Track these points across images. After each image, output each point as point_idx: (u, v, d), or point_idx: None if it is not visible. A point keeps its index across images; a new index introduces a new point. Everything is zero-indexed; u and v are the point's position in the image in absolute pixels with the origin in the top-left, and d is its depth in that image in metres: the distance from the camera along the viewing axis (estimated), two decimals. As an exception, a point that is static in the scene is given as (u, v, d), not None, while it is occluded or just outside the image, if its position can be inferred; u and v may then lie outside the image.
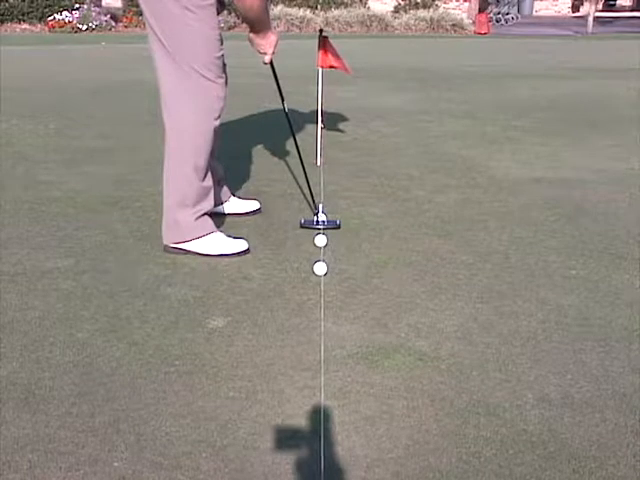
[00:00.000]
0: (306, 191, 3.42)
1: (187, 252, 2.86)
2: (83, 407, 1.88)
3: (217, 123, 2.81)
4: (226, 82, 2.84)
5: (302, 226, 3.18)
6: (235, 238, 2.93)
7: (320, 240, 2.91)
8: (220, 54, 2.75)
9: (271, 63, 2.97)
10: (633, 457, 1.70)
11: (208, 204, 2.90)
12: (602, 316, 2.41)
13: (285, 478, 1.63)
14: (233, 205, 3.33)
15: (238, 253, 2.87)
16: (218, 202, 3.14)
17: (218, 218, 3.12)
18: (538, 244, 3.06)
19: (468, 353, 2.17)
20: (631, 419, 1.85)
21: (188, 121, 2.74)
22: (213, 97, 2.75)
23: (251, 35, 2.84)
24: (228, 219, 3.25)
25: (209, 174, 2.89)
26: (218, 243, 2.88)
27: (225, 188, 3.29)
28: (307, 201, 3.47)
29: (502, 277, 2.72)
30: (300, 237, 3.07)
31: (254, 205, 3.38)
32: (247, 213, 3.34)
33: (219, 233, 2.92)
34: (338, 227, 3.18)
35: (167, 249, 2.90)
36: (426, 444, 1.75)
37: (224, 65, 2.82)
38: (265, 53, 2.88)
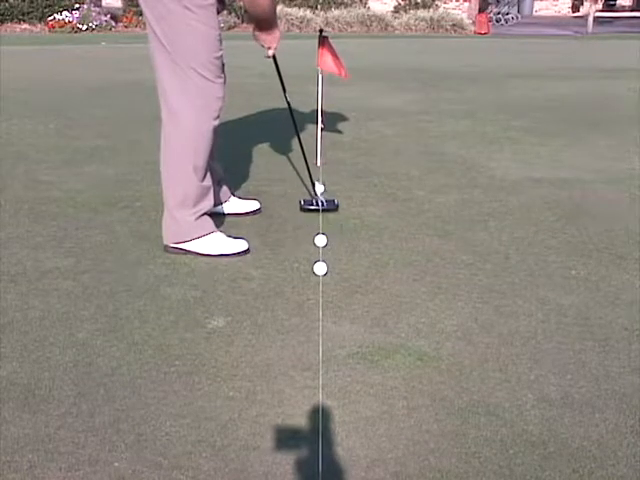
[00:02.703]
0: (306, 191, 3.41)
1: (187, 252, 2.86)
2: (83, 407, 1.88)
3: (216, 123, 2.80)
4: (224, 82, 2.84)
5: (302, 208, 3.29)
6: (235, 238, 2.93)
7: (320, 240, 2.90)
8: (220, 54, 2.75)
9: (274, 56, 3.01)
10: (633, 457, 1.70)
11: (208, 204, 2.90)
12: (602, 316, 2.41)
13: (285, 478, 1.64)
14: (233, 205, 3.32)
15: (238, 253, 2.87)
16: (218, 202, 3.14)
17: (218, 218, 3.11)
18: (538, 244, 3.06)
19: (468, 353, 2.17)
20: (631, 419, 1.85)
21: (187, 121, 2.74)
22: (212, 97, 2.75)
23: (256, 33, 2.87)
24: (228, 219, 3.25)
25: (208, 174, 2.89)
26: (218, 243, 2.88)
27: (225, 188, 3.28)
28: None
29: (502, 277, 2.72)
30: (300, 237, 3.07)
31: (254, 205, 3.38)
32: (247, 213, 3.34)
33: (219, 233, 2.92)
34: (336, 208, 3.32)
35: (167, 249, 2.89)
36: (426, 444, 1.75)
37: (223, 65, 2.81)
38: (269, 47, 2.92)
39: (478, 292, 2.59)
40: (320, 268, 2.74)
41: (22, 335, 2.25)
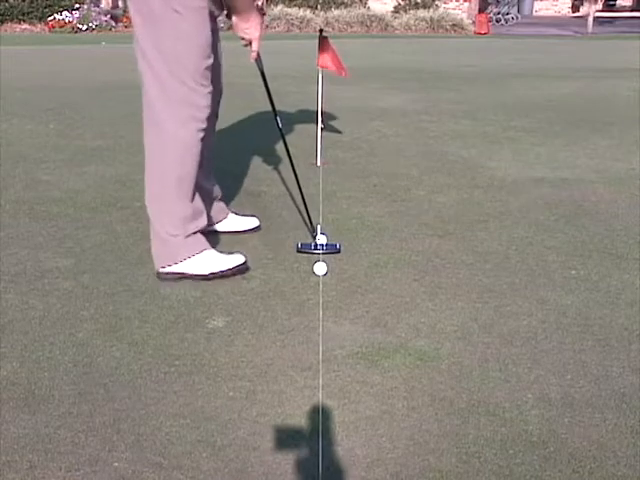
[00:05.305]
0: (306, 191, 3.40)
1: (181, 276, 2.64)
2: (83, 407, 1.88)
3: (201, 134, 2.58)
4: (221, 91, 2.73)
5: (299, 251, 2.91)
6: (229, 253, 2.75)
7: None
8: (209, 62, 2.53)
9: (262, 73, 2.76)
10: (633, 457, 1.70)
11: (199, 223, 2.69)
12: (602, 316, 2.41)
13: (285, 478, 1.64)
14: (231, 223, 3.12)
15: (234, 268, 2.69)
16: (214, 221, 3.00)
17: (215, 236, 2.98)
18: (538, 244, 3.06)
19: (468, 353, 2.17)
20: (631, 419, 1.85)
21: (171, 133, 2.54)
22: (197, 107, 2.54)
23: (234, 19, 2.57)
24: (226, 237, 3.09)
25: (197, 195, 2.68)
26: (212, 261, 2.67)
27: (222, 205, 3.10)
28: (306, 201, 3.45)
29: (502, 277, 2.72)
30: (300, 237, 3.07)
31: (253, 222, 3.17)
32: (246, 231, 3.13)
33: (212, 250, 2.71)
34: (338, 251, 2.93)
35: (160, 276, 2.66)
36: (426, 444, 1.75)
37: (219, 72, 2.66)
38: (251, 40, 2.60)
39: (478, 292, 2.59)
40: (320, 268, 2.74)
41: (22, 335, 2.25)
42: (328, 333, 2.28)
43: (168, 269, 2.66)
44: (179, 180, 2.59)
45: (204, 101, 2.56)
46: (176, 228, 2.62)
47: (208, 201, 2.89)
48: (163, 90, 2.51)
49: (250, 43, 2.63)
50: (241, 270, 2.71)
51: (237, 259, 2.72)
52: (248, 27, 2.58)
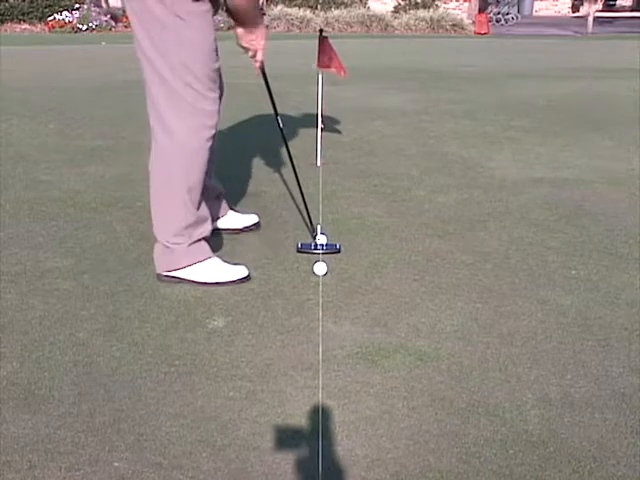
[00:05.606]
0: (306, 191, 3.40)
1: (181, 280, 2.63)
2: (83, 407, 1.88)
3: (210, 142, 2.55)
4: (221, 95, 2.68)
5: (299, 251, 2.92)
6: (234, 264, 2.70)
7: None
8: (216, 66, 2.50)
9: (263, 73, 2.73)
10: (633, 457, 1.70)
11: (204, 229, 2.67)
12: (602, 316, 2.41)
13: (285, 478, 1.64)
14: (231, 220, 3.14)
15: (237, 281, 2.65)
16: (215, 217, 2.98)
17: (215, 235, 2.96)
18: (538, 244, 3.06)
19: (468, 353, 2.17)
20: (631, 419, 1.85)
21: (180, 140, 2.49)
22: (206, 113, 2.50)
23: (239, 31, 2.55)
24: (226, 237, 3.09)
25: (203, 202, 2.65)
26: (215, 270, 2.65)
27: (224, 203, 3.11)
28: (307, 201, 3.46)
29: (502, 277, 2.72)
30: (300, 237, 3.07)
31: (253, 219, 3.19)
32: (245, 228, 3.15)
33: (216, 259, 2.69)
34: (338, 251, 2.94)
35: (160, 278, 2.65)
36: (426, 444, 1.75)
37: (220, 77, 2.62)
38: (256, 50, 2.60)
39: (478, 292, 2.59)
40: (320, 268, 2.74)
41: (22, 335, 2.25)
42: (328, 333, 2.28)
43: (169, 273, 2.65)
44: (187, 189, 2.55)
45: (212, 107, 2.51)
46: (180, 235, 2.59)
47: (210, 199, 2.89)
48: (171, 96, 2.44)
49: (255, 53, 2.61)
50: (242, 282, 2.67)
51: (240, 272, 2.67)
52: (254, 38, 2.56)
